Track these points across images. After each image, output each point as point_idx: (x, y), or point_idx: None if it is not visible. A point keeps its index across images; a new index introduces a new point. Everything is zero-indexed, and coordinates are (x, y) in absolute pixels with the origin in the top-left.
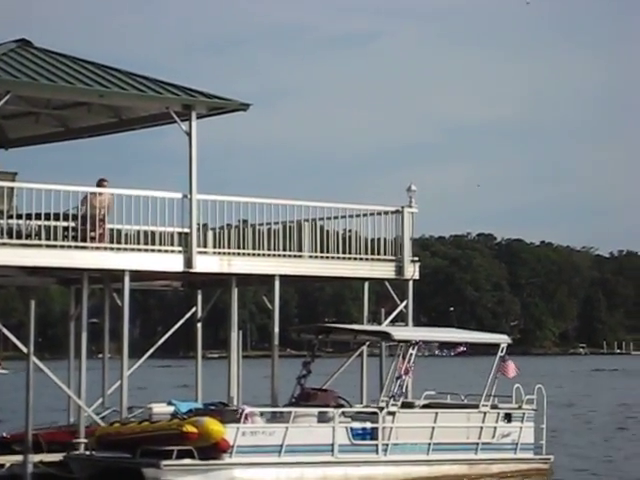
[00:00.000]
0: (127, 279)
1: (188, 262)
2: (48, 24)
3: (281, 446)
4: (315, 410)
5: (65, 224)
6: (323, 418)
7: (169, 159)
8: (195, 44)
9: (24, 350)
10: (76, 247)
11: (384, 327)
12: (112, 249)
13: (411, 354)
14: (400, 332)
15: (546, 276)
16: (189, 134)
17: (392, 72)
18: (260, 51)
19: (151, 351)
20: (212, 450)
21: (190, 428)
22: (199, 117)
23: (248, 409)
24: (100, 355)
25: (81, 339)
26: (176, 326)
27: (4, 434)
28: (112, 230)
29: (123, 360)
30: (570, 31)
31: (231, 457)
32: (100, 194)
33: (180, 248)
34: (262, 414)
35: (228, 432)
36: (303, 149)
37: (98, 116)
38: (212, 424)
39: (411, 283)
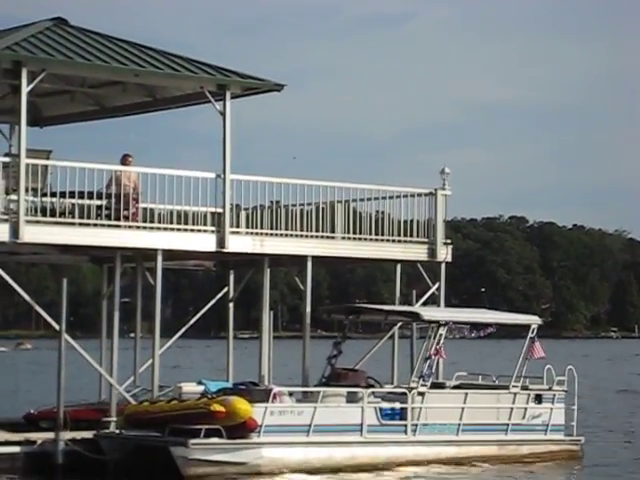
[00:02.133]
0: (160, 258)
1: (221, 242)
2: (83, 3)
3: (309, 426)
4: (344, 390)
5: (99, 202)
6: (352, 398)
7: (200, 140)
8: (224, 25)
9: (56, 328)
10: (109, 226)
11: (414, 307)
12: (145, 228)
13: (440, 335)
14: (429, 312)
15: (578, 259)
16: (223, 114)
17: (423, 53)
18: (290, 32)
19: (182, 330)
20: (240, 429)
21: (217, 407)
22: (233, 97)
23: (276, 388)
24: (132, 334)
25: (113, 318)
26: (208, 306)
27: (31, 410)
28: (145, 209)
29: (155, 339)
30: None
31: (259, 436)
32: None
33: (213, 228)
34: (291, 394)
35: (256, 411)
36: (333, 130)
37: (133, 95)
38: (240, 403)
39: (443, 265)
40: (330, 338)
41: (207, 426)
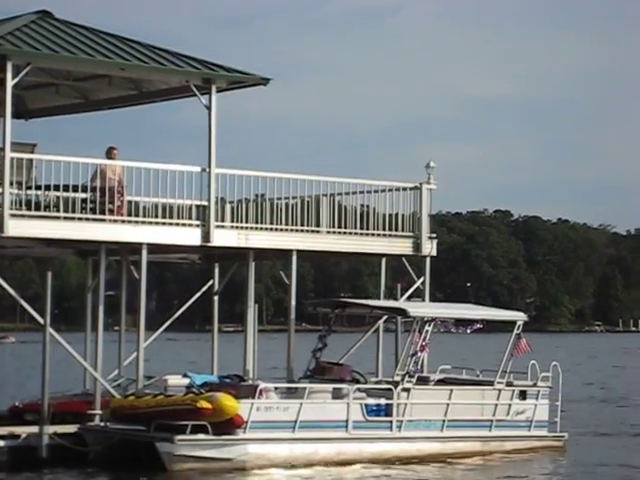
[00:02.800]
0: (144, 252)
1: (206, 236)
2: None
3: (295, 422)
4: (330, 386)
5: (83, 196)
6: (338, 394)
7: (187, 133)
8: (212, 18)
9: (41, 322)
10: (94, 219)
11: (400, 303)
12: (130, 222)
13: (427, 331)
14: (416, 308)
15: (562, 253)
16: (209, 108)
17: (410, 47)
18: (277, 25)
19: (167, 324)
20: (226, 425)
21: (204, 403)
22: (219, 91)
23: (263, 384)
24: (116, 328)
25: (98, 311)
26: (192, 299)
27: (16, 403)
28: (130, 203)
29: (139, 332)
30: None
31: (245, 432)
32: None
33: (198, 222)
34: (276, 389)
35: (242, 408)
36: (320, 124)
37: (118, 88)
38: (226, 400)
39: (428, 259)
40: (315, 332)
41: (193, 422)
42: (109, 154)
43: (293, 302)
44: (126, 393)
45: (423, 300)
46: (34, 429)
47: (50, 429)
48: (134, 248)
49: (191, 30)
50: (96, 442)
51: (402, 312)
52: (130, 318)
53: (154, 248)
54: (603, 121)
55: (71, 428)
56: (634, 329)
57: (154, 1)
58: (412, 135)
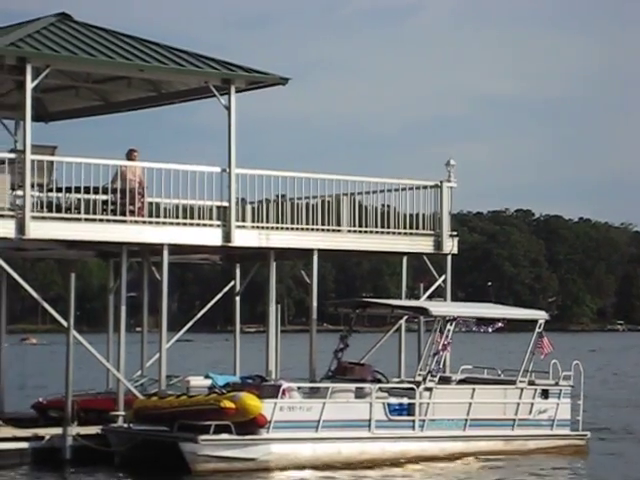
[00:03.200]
0: (166, 253)
1: (227, 236)
2: None
3: (318, 421)
4: (352, 385)
5: (104, 197)
6: (360, 394)
7: (206, 134)
8: (228, 19)
9: (64, 323)
10: (115, 221)
11: (422, 302)
12: (151, 223)
13: (449, 330)
14: (438, 307)
15: (584, 252)
16: (228, 108)
17: (429, 46)
18: (296, 25)
19: (189, 325)
20: (249, 425)
21: (228, 403)
22: (238, 91)
23: (286, 384)
24: (138, 329)
25: (120, 312)
26: (214, 300)
27: (40, 399)
28: (151, 204)
29: (162, 333)
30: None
31: (268, 432)
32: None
33: (219, 222)
34: (299, 389)
35: (265, 407)
36: (339, 124)
37: (138, 90)
38: (250, 399)
39: (449, 258)
40: (336, 332)
41: (217, 422)
42: (130, 156)
43: (314, 302)
44: (148, 393)
45: (445, 299)
46: (58, 430)
47: (74, 430)
48: (155, 249)
49: (210, 31)
50: (120, 443)
51: (424, 311)
52: (152, 319)
53: (175, 249)
54: (625, 119)
55: (95, 429)
56: None
57: (173, 3)
58: (433, 134)
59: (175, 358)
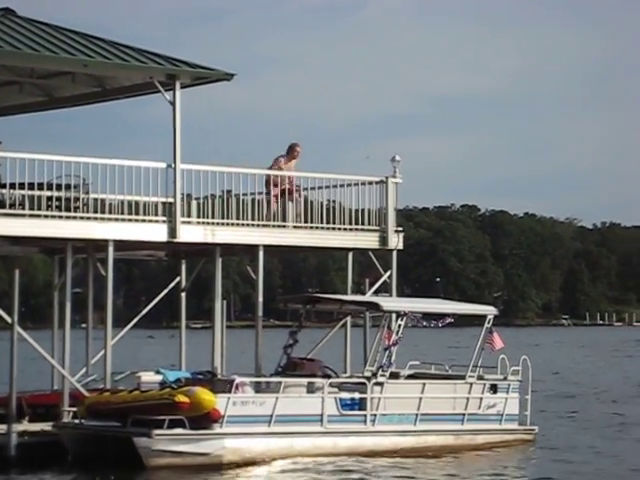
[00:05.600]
0: (111, 249)
1: (172, 232)
2: None
3: (271, 416)
4: (304, 380)
5: (49, 194)
6: (312, 388)
7: (153, 130)
8: (177, 14)
9: (8, 320)
10: (60, 217)
11: (373, 298)
12: (96, 219)
13: (399, 325)
14: (389, 303)
15: (529, 247)
16: (173, 104)
17: (377, 42)
18: (243, 21)
19: (135, 321)
20: (203, 420)
21: (182, 398)
22: (183, 87)
23: (239, 379)
24: (84, 325)
25: (65, 309)
26: (160, 296)
27: None
28: (96, 200)
29: (107, 330)
30: (560, 4)
31: (222, 427)
32: None
33: (164, 218)
34: (252, 384)
35: (219, 402)
36: (286, 120)
37: (82, 85)
38: (204, 394)
39: (395, 253)
40: (283, 327)
41: (171, 417)
42: (292, 150)
43: (260, 298)
44: (94, 389)
45: (390, 295)
46: (2, 428)
47: (20, 427)
48: (100, 245)
49: (155, 27)
50: (71, 439)
51: (375, 306)
52: (97, 315)
53: (121, 245)
54: (569, 117)
55: (41, 426)
56: (601, 322)
57: None
58: (379, 131)
59: (123, 354)
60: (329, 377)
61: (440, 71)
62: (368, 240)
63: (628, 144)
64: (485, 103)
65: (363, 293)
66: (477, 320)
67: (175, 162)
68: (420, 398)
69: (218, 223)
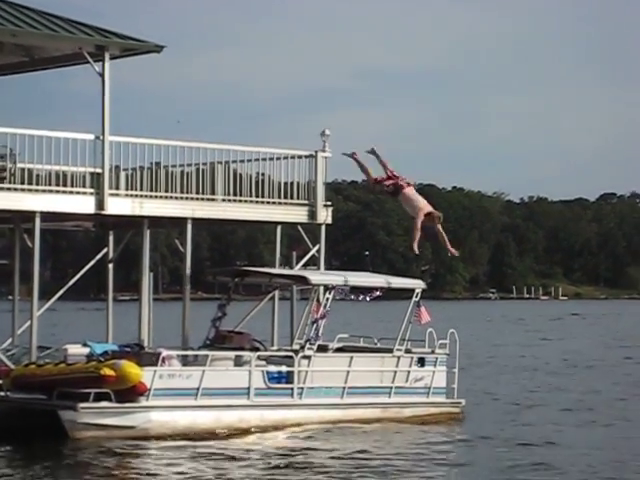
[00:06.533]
0: (38, 220)
1: (100, 204)
2: None
3: (198, 389)
4: (232, 353)
5: None
6: (239, 362)
7: (83, 102)
8: None
9: None
10: None
11: (301, 271)
12: (23, 190)
13: (327, 298)
14: (317, 276)
15: (457, 221)
16: (102, 75)
17: (307, 15)
18: None
19: (61, 292)
20: (129, 393)
21: (108, 371)
22: (112, 58)
23: (165, 352)
24: (10, 297)
25: None
26: (86, 267)
27: None
28: (23, 170)
29: (33, 301)
30: None
31: (148, 400)
32: None
33: (92, 190)
34: (179, 357)
35: (145, 375)
36: (217, 93)
37: (10, 55)
38: (130, 367)
39: (324, 227)
40: (211, 300)
41: (96, 390)
42: None
43: (188, 270)
44: (20, 362)
45: (319, 268)
46: None
47: None
48: (27, 216)
49: None
50: None
51: (303, 280)
52: (24, 287)
53: (48, 216)
54: (495, 89)
55: None
56: (527, 296)
57: None
58: (309, 104)
59: (50, 326)
60: (257, 350)
61: (370, 45)
62: (297, 214)
63: (555, 119)
64: (415, 78)
65: (292, 266)
66: (406, 294)
67: (103, 134)
68: (347, 371)
69: (146, 195)
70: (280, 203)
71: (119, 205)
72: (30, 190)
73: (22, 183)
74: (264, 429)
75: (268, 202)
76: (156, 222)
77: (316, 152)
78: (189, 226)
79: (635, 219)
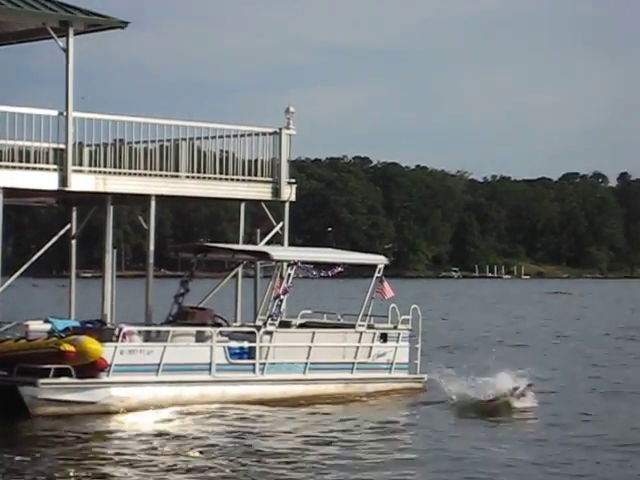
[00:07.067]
0: (0, 196)
1: (63, 180)
2: None
3: (159, 365)
4: (193, 329)
5: None
6: (201, 337)
7: (46, 78)
8: None
9: None
10: None
11: (263, 247)
12: None
13: (289, 274)
14: (279, 252)
15: (420, 200)
16: (66, 51)
17: None
18: None
19: (23, 269)
20: (90, 369)
21: (68, 347)
22: (76, 34)
23: (126, 328)
24: None
25: None
26: (49, 244)
27: None
28: None
29: None
30: None
31: (108, 376)
32: None
33: (55, 166)
34: (140, 333)
35: (106, 351)
36: (178, 70)
37: None
38: (90, 343)
39: (287, 205)
40: (174, 277)
41: (57, 365)
42: None
43: (152, 247)
44: None
45: (282, 245)
46: None
47: None
48: None
49: None
50: None
51: (265, 255)
52: None
53: (10, 192)
54: (461, 67)
55: None
56: (490, 275)
57: None
58: (272, 82)
59: (12, 303)
60: (219, 326)
61: (333, 22)
62: (261, 191)
63: (520, 98)
64: (379, 55)
65: (255, 244)
66: (369, 271)
67: (67, 110)
68: (309, 347)
69: (110, 172)
70: (244, 180)
71: (82, 181)
72: None
73: None
74: (225, 405)
75: (232, 179)
76: (119, 199)
77: (280, 129)
78: (153, 203)
79: (597, 199)
